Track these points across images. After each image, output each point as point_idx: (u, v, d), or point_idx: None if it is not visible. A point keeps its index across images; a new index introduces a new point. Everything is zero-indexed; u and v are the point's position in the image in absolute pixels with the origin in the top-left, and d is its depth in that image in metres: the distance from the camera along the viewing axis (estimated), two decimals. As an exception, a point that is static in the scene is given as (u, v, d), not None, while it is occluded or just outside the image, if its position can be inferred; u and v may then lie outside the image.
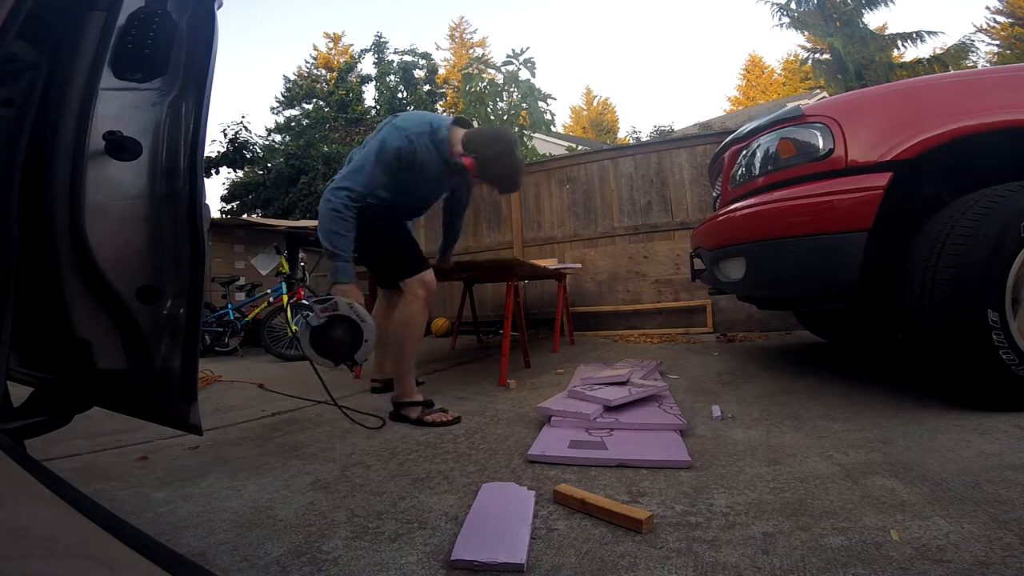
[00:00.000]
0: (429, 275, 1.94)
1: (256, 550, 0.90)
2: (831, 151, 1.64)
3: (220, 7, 0.95)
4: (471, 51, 23.83)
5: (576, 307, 4.84)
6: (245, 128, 8.19)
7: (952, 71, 8.02)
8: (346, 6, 50.52)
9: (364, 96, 10.31)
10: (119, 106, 0.83)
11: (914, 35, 11.27)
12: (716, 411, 1.68)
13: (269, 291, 4.87)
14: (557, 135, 13.40)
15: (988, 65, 13.26)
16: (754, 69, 27.51)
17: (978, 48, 12.68)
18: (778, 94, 23.56)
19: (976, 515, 0.86)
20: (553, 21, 57.08)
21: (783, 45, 51.89)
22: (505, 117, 6.69)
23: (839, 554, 0.79)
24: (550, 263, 3.93)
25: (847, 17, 11.17)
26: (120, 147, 0.81)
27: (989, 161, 1.61)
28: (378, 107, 9.34)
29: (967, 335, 1.38)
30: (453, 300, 5.64)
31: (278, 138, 12.19)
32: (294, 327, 4.27)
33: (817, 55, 12.28)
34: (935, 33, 11.63)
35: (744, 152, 2.01)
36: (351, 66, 10.82)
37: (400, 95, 9.04)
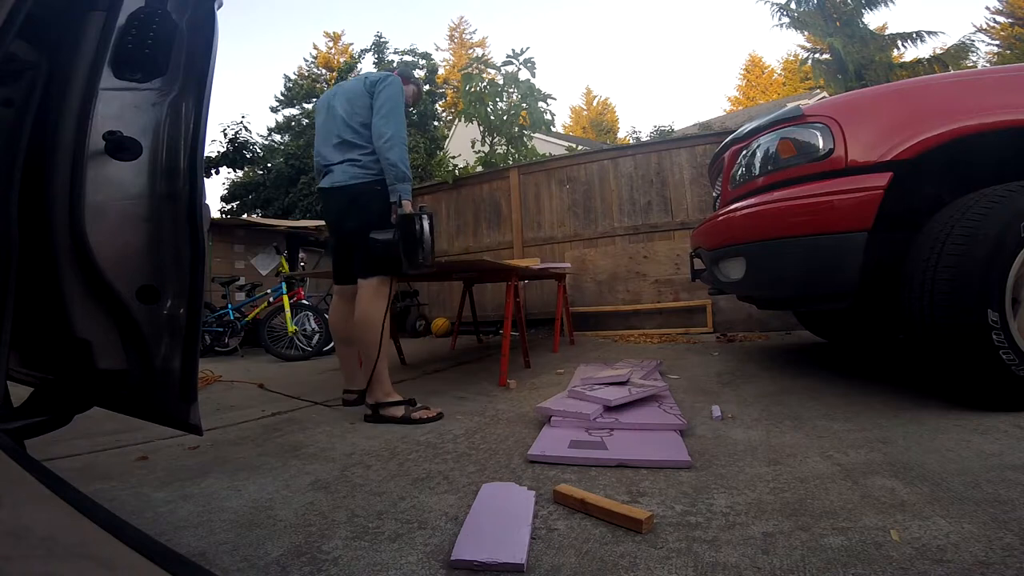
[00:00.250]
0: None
1: (256, 550, 0.90)
2: (831, 151, 1.64)
3: (220, 7, 0.95)
4: (471, 51, 23.84)
5: (576, 307, 4.84)
6: (245, 128, 8.20)
7: (952, 71, 8.02)
8: (346, 6, 50.54)
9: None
10: (119, 106, 0.83)
11: (914, 35, 11.26)
12: (716, 411, 1.68)
13: (269, 291, 4.87)
14: (557, 135, 13.39)
15: (988, 65, 13.27)
16: (754, 69, 27.51)
17: (978, 48, 12.68)
18: (778, 94, 23.57)
19: (976, 515, 0.86)
20: (553, 21, 57.10)
21: (783, 45, 51.92)
22: (505, 117, 6.68)
23: (839, 554, 0.79)
24: (532, 263, 3.90)
25: (847, 17, 11.16)
26: (120, 147, 0.81)
27: (989, 161, 1.61)
28: (378, 107, 9.35)
29: (967, 335, 1.38)
30: (453, 300, 5.65)
31: (278, 138, 12.19)
32: (293, 327, 4.28)
33: (817, 55, 12.27)
34: (935, 33, 11.62)
35: (744, 152, 2.01)
36: (351, 66, 10.82)
37: (400, 95, 9.04)
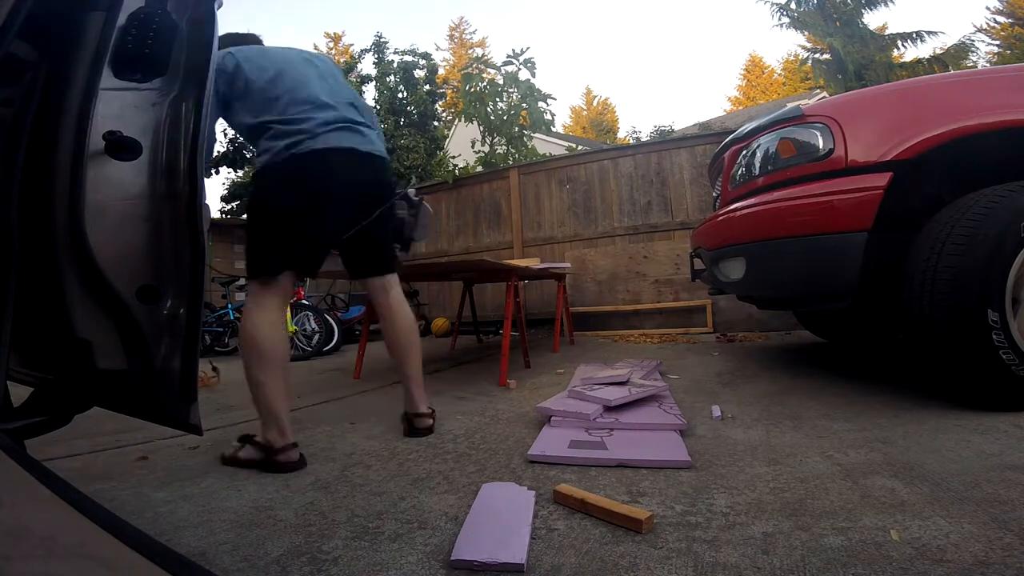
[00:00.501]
0: None
1: (256, 550, 0.90)
2: (831, 151, 1.64)
3: (220, 7, 0.95)
4: (471, 51, 23.84)
5: (576, 307, 4.84)
6: (245, 128, 8.21)
7: (952, 71, 8.03)
8: (346, 6, 50.58)
9: (364, 96, 10.31)
10: (119, 106, 0.83)
11: (914, 35, 11.26)
12: (716, 411, 1.68)
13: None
14: (557, 135, 13.40)
15: (988, 65, 13.26)
16: (754, 69, 27.51)
17: (978, 48, 12.67)
18: (778, 94, 23.57)
19: (976, 515, 0.86)
20: (553, 21, 57.10)
21: (783, 45, 51.93)
22: (505, 117, 6.68)
23: (839, 554, 0.79)
24: (532, 263, 3.90)
25: (847, 17, 11.16)
26: (120, 147, 0.81)
27: (989, 161, 1.61)
28: (378, 107, 9.33)
29: (967, 335, 1.38)
30: (453, 300, 5.65)
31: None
32: (293, 327, 4.28)
33: (817, 55, 12.27)
34: (935, 33, 11.63)
35: (744, 152, 2.01)
36: (351, 66, 10.80)
37: (400, 95, 9.03)
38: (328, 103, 1.52)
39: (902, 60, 11.53)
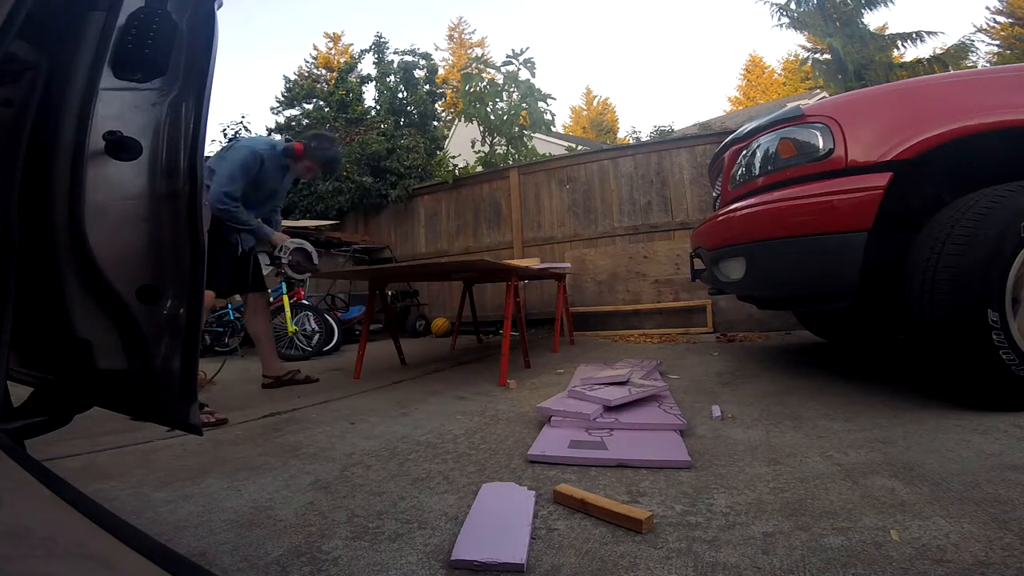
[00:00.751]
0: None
1: (256, 550, 0.90)
2: (831, 151, 1.64)
3: (220, 7, 0.95)
4: (470, 51, 23.84)
5: (576, 307, 4.84)
6: (245, 128, 8.15)
7: (952, 71, 8.02)
8: (346, 6, 50.56)
9: (364, 96, 10.30)
10: (119, 106, 0.83)
11: (914, 35, 11.25)
12: (716, 411, 1.68)
13: (269, 291, 4.86)
14: (557, 135, 13.39)
15: (988, 65, 13.26)
16: (754, 69, 27.51)
17: (978, 48, 12.68)
18: (778, 94, 23.57)
19: (976, 515, 0.86)
20: (553, 21, 57.08)
21: (783, 45, 51.90)
22: (505, 117, 6.68)
23: (839, 554, 0.79)
24: (532, 263, 3.90)
25: (847, 17, 11.15)
26: (120, 147, 0.81)
27: (989, 161, 1.61)
28: (378, 107, 9.32)
29: (967, 335, 1.38)
30: (453, 300, 5.65)
31: (278, 138, 12.16)
32: (293, 327, 4.28)
33: (817, 55, 12.26)
34: (935, 33, 11.61)
35: (744, 152, 2.01)
36: (351, 66, 10.79)
37: (400, 95, 9.02)
38: None
39: (902, 60, 11.52)
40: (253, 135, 8.28)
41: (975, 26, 19.01)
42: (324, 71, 16.74)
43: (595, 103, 31.06)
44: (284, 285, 4.48)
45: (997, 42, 16.68)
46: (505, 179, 5.87)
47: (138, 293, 0.86)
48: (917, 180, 1.65)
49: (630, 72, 57.41)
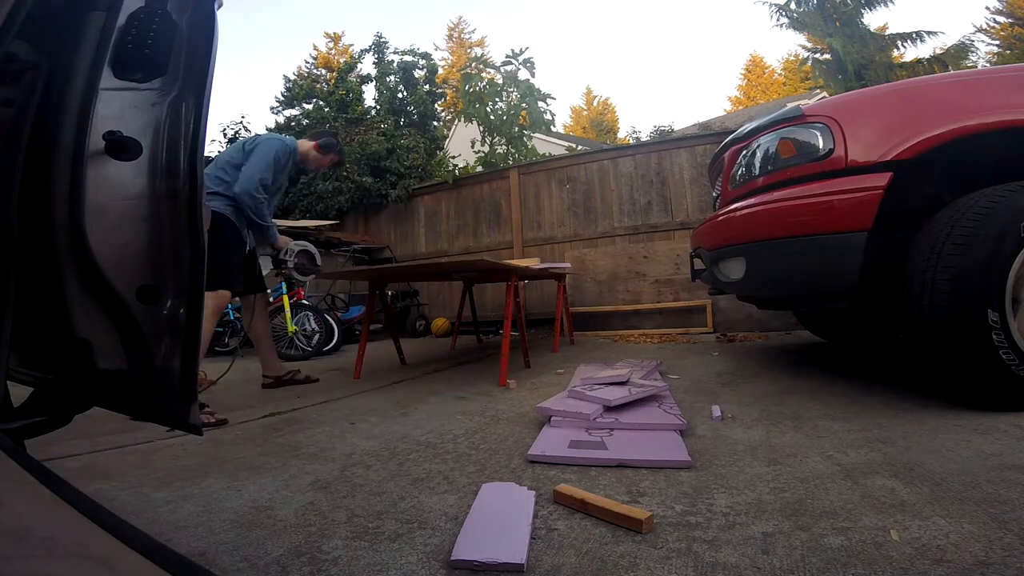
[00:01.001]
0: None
1: (256, 550, 0.90)
2: (831, 151, 1.64)
3: (220, 7, 0.95)
4: (469, 51, 23.84)
5: (576, 307, 4.84)
6: (245, 128, 8.15)
7: (952, 71, 8.02)
8: (346, 6, 50.56)
9: (364, 96, 10.29)
10: (119, 106, 0.83)
11: (914, 35, 11.25)
12: (716, 411, 1.68)
13: (269, 291, 4.87)
14: (557, 135, 13.39)
15: (988, 65, 13.26)
16: (755, 69, 27.52)
17: (978, 48, 12.68)
18: (778, 94, 23.57)
19: (976, 515, 0.86)
20: (553, 21, 57.08)
21: (783, 45, 51.90)
22: (505, 117, 6.68)
23: (839, 554, 0.79)
24: (532, 263, 3.90)
25: (847, 17, 11.15)
26: (120, 147, 0.81)
27: (989, 161, 1.61)
28: (378, 107, 9.31)
29: (967, 335, 1.38)
30: (453, 300, 5.65)
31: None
32: (293, 327, 4.28)
33: (817, 55, 12.26)
34: (935, 33, 11.61)
35: (744, 152, 2.01)
36: (351, 66, 10.78)
37: (400, 95, 9.02)
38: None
39: (902, 60, 11.52)
40: (253, 135, 8.31)
41: (975, 26, 19.04)
42: (324, 71, 16.73)
43: (595, 103, 31.07)
44: (284, 285, 4.48)
45: (997, 42, 16.68)
46: (505, 179, 5.87)
47: (138, 293, 0.86)
48: (917, 180, 1.65)
49: (630, 72, 57.45)
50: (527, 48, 6.76)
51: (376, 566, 0.83)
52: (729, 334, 4.05)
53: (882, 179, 1.55)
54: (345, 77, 10.36)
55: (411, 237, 6.58)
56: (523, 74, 6.74)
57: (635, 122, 57.35)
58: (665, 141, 5.84)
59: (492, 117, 6.67)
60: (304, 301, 4.65)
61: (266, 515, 1.05)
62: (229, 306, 4.80)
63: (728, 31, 55.50)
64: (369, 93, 10.25)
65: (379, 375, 2.98)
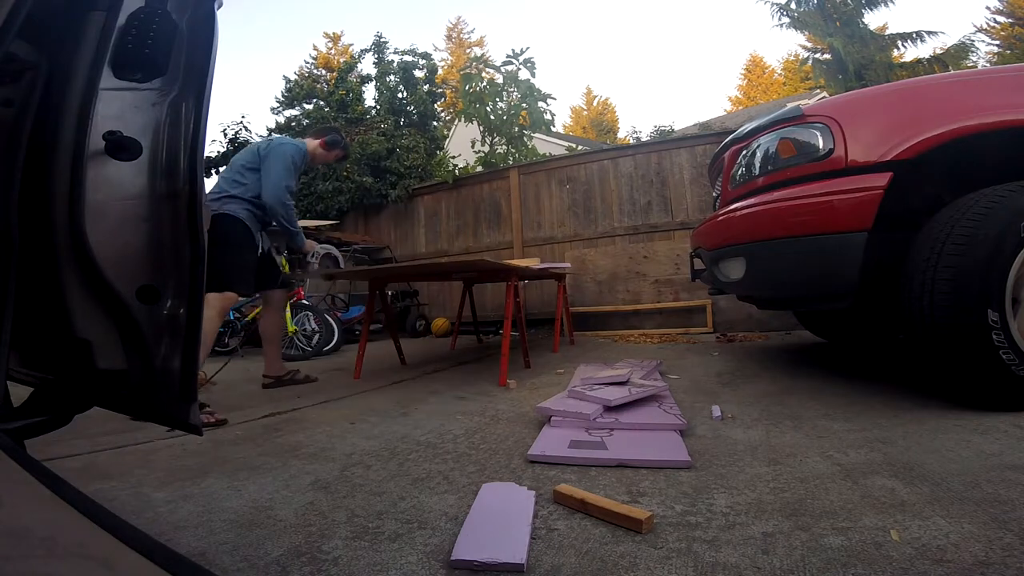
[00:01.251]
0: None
1: (256, 550, 0.90)
2: (831, 151, 1.64)
3: (220, 7, 0.95)
4: (469, 51, 23.83)
5: (576, 307, 4.84)
6: (245, 128, 8.15)
7: (952, 71, 8.02)
8: (346, 6, 50.57)
9: (364, 96, 10.30)
10: (119, 106, 0.83)
11: (914, 35, 11.26)
12: (716, 411, 1.68)
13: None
14: (557, 135, 13.40)
15: (988, 65, 13.26)
16: (755, 69, 27.52)
17: (978, 48, 12.69)
18: (778, 94, 23.57)
19: (976, 515, 0.86)
20: (553, 21, 57.08)
21: (783, 45, 51.92)
22: (505, 117, 6.67)
23: (839, 554, 0.79)
24: (532, 263, 3.90)
25: (847, 17, 11.16)
26: (120, 147, 0.81)
27: (989, 161, 1.61)
28: (378, 107, 9.31)
29: (967, 335, 1.38)
30: (453, 300, 5.65)
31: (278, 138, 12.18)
32: (293, 327, 4.28)
33: (817, 55, 12.27)
34: (935, 33, 11.62)
35: (744, 152, 2.01)
36: (351, 66, 10.78)
37: (400, 95, 9.02)
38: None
39: (902, 60, 11.53)
40: (253, 135, 8.30)
41: (975, 26, 19.03)
42: (324, 71, 16.75)
43: (595, 103, 31.06)
44: (284, 285, 4.48)
45: (997, 42, 16.68)
46: (505, 179, 5.87)
47: (138, 293, 0.86)
48: (917, 180, 1.65)
49: (630, 72, 57.42)
50: (527, 48, 6.78)
51: (376, 566, 0.83)
52: (729, 334, 4.05)
53: (882, 179, 1.55)
54: (345, 77, 10.35)
55: (411, 237, 6.58)
56: (523, 74, 6.74)
57: (635, 122, 57.38)
58: (665, 141, 5.84)
59: (492, 117, 6.67)
60: (304, 301, 4.65)
61: (266, 515, 1.05)
62: (229, 306, 4.81)
63: (728, 31, 55.51)
64: (369, 93, 10.25)
65: (379, 375, 2.98)
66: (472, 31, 28.63)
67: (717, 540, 0.86)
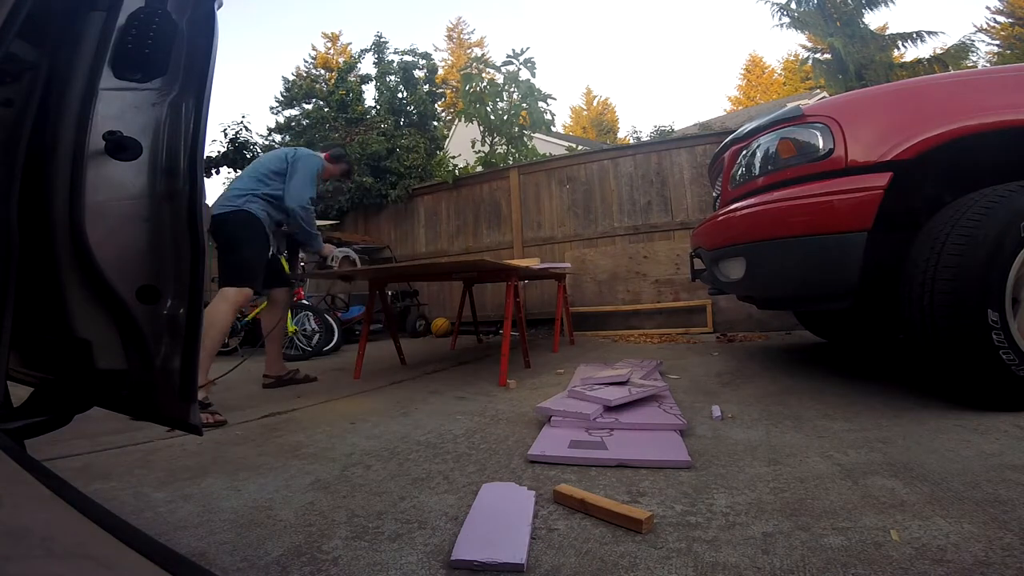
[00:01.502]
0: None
1: (256, 550, 0.90)
2: (831, 151, 1.64)
3: (220, 7, 0.95)
4: (469, 51, 23.84)
5: (576, 307, 4.84)
6: (245, 128, 8.15)
7: (952, 71, 8.02)
8: (345, 6, 50.58)
9: (364, 96, 10.30)
10: (119, 106, 0.83)
11: (914, 35, 11.26)
12: (716, 411, 1.68)
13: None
14: (557, 135, 13.40)
15: (988, 65, 13.26)
16: (755, 69, 27.52)
17: (978, 48, 12.71)
18: (778, 94, 23.57)
19: (976, 515, 0.86)
20: (553, 21, 57.08)
21: (783, 45, 51.90)
22: (505, 117, 6.68)
23: (839, 554, 0.79)
24: (532, 263, 3.90)
25: (847, 17, 11.16)
26: (120, 147, 0.81)
27: (989, 161, 1.61)
28: (378, 107, 9.32)
29: (967, 335, 1.38)
30: (453, 300, 5.65)
31: (278, 138, 12.17)
32: (293, 327, 4.28)
33: (817, 55, 12.27)
34: (935, 33, 11.62)
35: (744, 152, 2.01)
36: (351, 66, 10.78)
37: (400, 95, 9.03)
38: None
39: (902, 60, 11.53)
40: (253, 135, 8.30)
41: (975, 26, 19.05)
42: (323, 71, 16.76)
43: (595, 103, 31.06)
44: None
45: (997, 42, 16.68)
46: (505, 179, 5.87)
47: (138, 293, 0.86)
48: (917, 180, 1.65)
49: (630, 72, 57.44)
50: (527, 48, 6.78)
51: (376, 566, 0.83)
52: (729, 334, 4.05)
53: (882, 179, 1.55)
54: (345, 77, 10.36)
55: (411, 237, 6.58)
56: (523, 74, 6.75)
57: (635, 122, 57.40)
58: (665, 141, 5.84)
59: (492, 117, 6.67)
60: (304, 301, 4.65)
61: (266, 515, 1.05)
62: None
63: (728, 31, 55.51)
64: (369, 93, 10.26)
65: (379, 375, 2.98)
66: (472, 31, 28.69)
67: (717, 540, 0.86)
